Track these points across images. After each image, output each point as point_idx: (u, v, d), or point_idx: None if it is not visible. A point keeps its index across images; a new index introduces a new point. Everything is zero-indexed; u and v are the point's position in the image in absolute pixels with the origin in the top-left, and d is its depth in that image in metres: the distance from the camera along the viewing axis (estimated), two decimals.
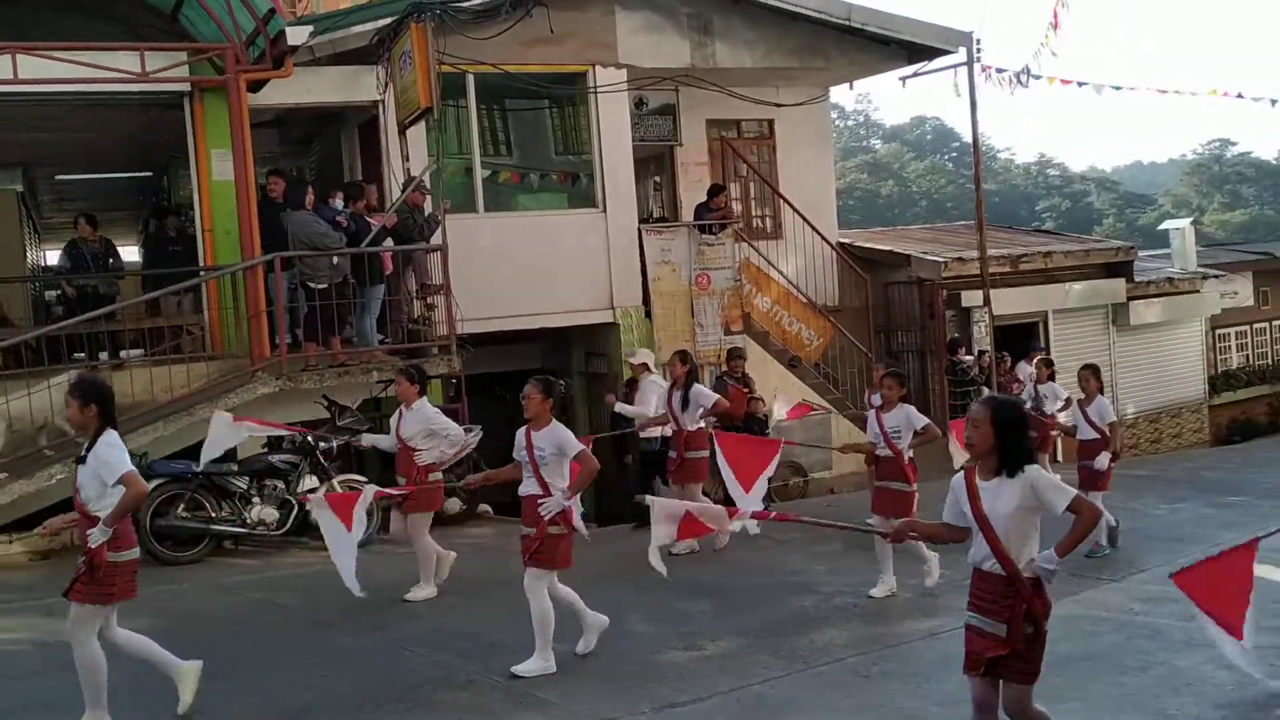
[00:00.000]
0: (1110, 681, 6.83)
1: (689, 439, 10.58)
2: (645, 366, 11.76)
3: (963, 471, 5.07)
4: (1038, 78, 17.11)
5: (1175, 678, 6.86)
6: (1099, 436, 10.43)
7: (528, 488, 7.15)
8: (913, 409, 9.00)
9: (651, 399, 11.33)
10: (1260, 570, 9.62)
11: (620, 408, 11.59)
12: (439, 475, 9.17)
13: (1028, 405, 13.33)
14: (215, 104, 11.95)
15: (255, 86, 12.08)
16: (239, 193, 11.83)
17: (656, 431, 11.47)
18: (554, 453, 7.05)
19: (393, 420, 9.34)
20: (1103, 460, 10.32)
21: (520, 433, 7.22)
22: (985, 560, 4.84)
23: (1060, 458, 16.54)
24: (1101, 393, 10.80)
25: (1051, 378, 13.09)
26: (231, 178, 11.85)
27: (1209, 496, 12.41)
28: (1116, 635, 7.76)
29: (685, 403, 10.50)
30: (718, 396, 10.89)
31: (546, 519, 6.98)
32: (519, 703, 6.64)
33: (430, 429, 9.00)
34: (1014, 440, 4.84)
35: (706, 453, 10.57)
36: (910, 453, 8.93)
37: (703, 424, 10.60)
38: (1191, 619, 8.14)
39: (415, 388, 9.11)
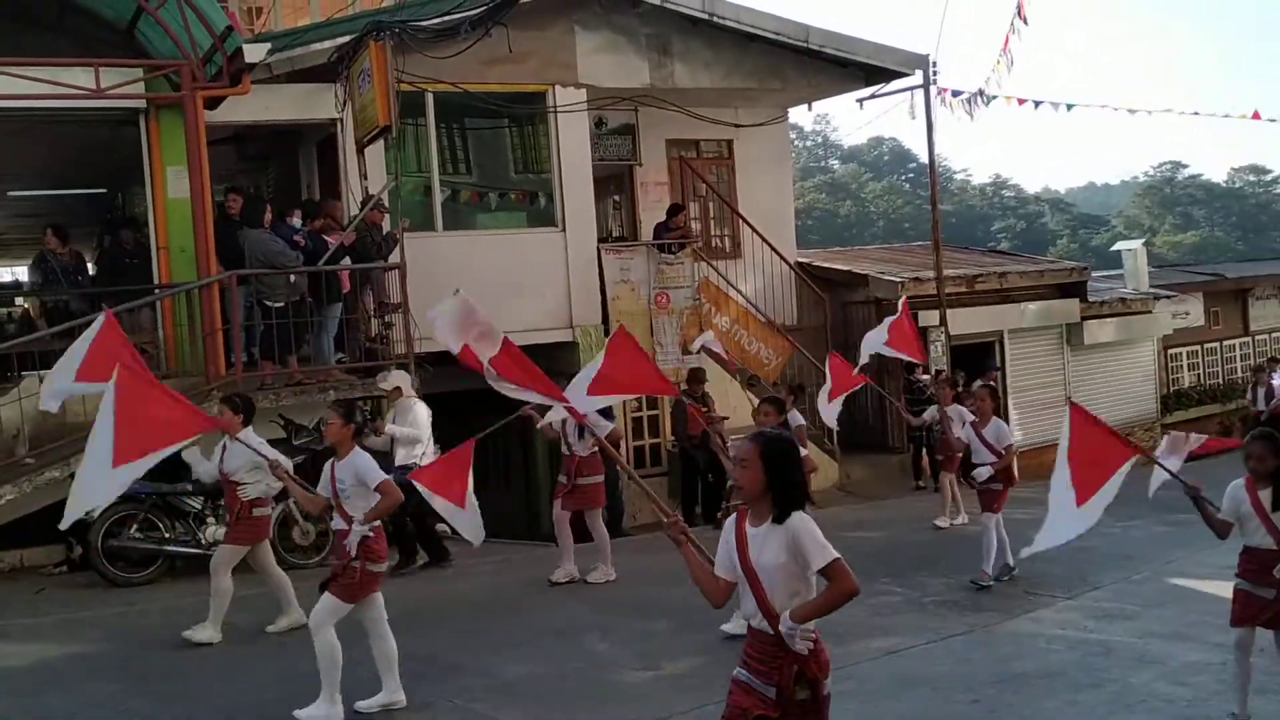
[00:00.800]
0: (1064, 699, 6.89)
1: (580, 465, 10.08)
2: (398, 390, 10.59)
3: (734, 517, 4.48)
4: (993, 97, 17.34)
5: (1128, 694, 6.93)
6: (996, 459, 10.10)
7: (336, 522, 6.71)
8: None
9: (420, 420, 10.45)
10: (1196, 584, 9.83)
11: (391, 429, 10.36)
12: (264, 510, 8.72)
13: (933, 426, 13.37)
14: (171, 121, 11.86)
15: (212, 103, 12.01)
16: (195, 210, 11.73)
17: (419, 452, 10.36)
18: (354, 484, 6.63)
19: (215, 452, 8.71)
20: (983, 471, 10.09)
21: (326, 466, 6.81)
22: (753, 616, 4.31)
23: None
24: (998, 414, 10.59)
25: (957, 399, 12.85)
26: (188, 195, 11.75)
27: (1161, 515, 12.50)
28: (1070, 653, 7.82)
29: (581, 429, 9.74)
30: (612, 425, 10.49)
31: (352, 554, 6.54)
32: None
33: (255, 463, 8.12)
34: (786, 480, 4.22)
35: (601, 478, 10.20)
36: None
37: (595, 449, 9.95)
38: (1147, 636, 8.27)
39: (239, 417, 8.17)
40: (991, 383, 13.31)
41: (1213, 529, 6.17)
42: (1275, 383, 17.32)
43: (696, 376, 13.70)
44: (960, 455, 12.74)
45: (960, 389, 17.51)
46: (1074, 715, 6.59)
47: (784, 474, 4.23)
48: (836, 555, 4.12)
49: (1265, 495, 6.01)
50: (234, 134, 14.10)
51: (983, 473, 10.14)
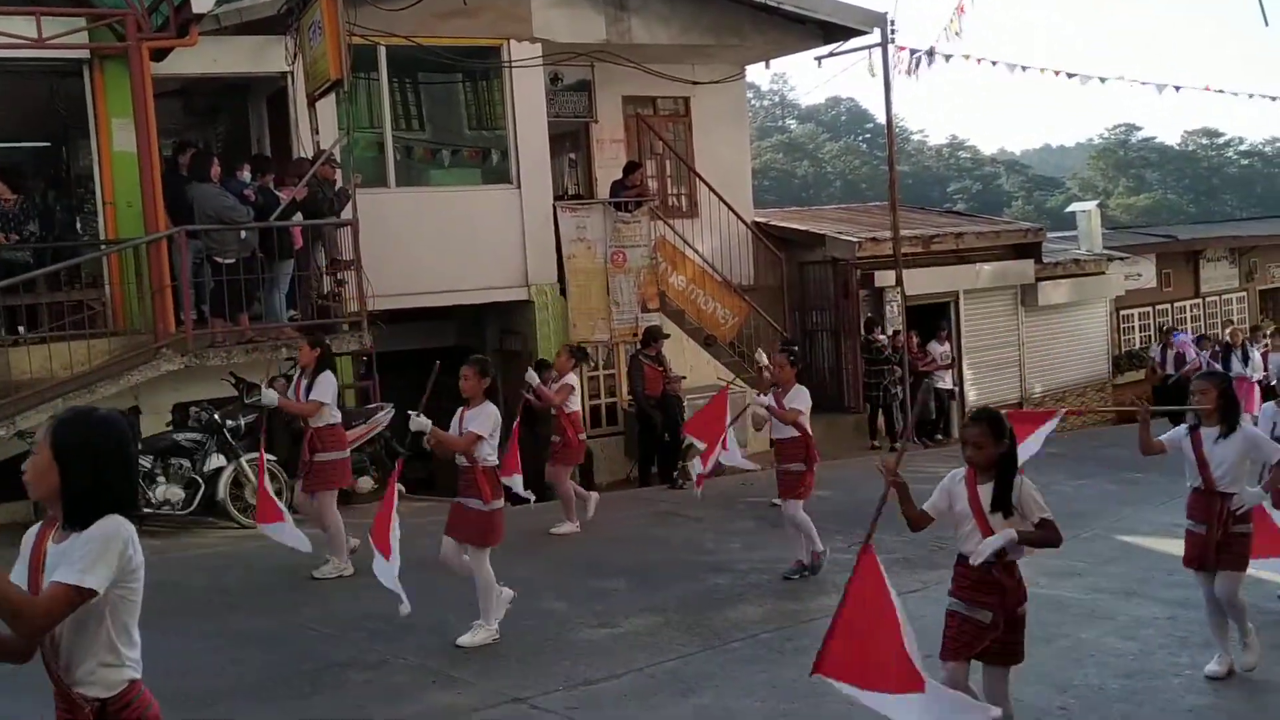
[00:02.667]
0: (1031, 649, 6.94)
1: (316, 437, 8.84)
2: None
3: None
4: (949, 56, 17.31)
5: (1079, 649, 7.01)
6: (799, 434, 8.84)
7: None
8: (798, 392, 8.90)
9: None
10: (1143, 540, 9.97)
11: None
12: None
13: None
14: (116, 72, 11.58)
15: (159, 55, 11.72)
16: (142, 164, 11.45)
17: None
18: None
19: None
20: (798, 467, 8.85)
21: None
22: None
23: None
24: (801, 381, 9.18)
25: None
26: (134, 148, 11.48)
27: (1113, 473, 12.71)
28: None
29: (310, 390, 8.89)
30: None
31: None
32: (431, 683, 6.57)
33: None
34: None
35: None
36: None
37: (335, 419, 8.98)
38: (1097, 592, 8.36)
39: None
40: (794, 349, 11.86)
41: (907, 520, 5.20)
42: (1189, 350, 17.34)
43: (653, 335, 13.64)
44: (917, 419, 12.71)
45: (919, 348, 17.68)
46: (1025, 670, 6.61)
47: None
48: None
49: (985, 491, 4.96)
50: (181, 87, 13.79)
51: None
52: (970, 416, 5.24)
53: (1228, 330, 16.77)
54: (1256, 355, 15.61)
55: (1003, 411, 5.38)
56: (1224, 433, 6.23)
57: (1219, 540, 6.23)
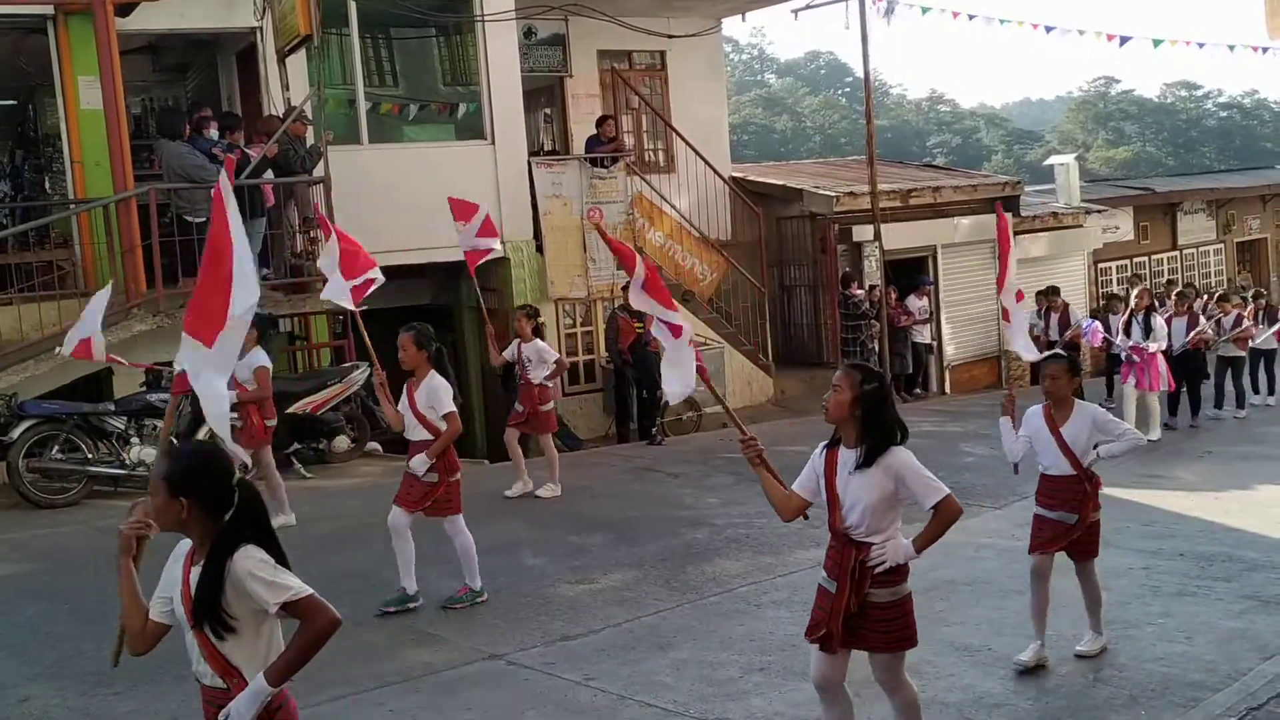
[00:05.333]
0: (991, 605, 7.00)
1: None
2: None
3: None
4: (925, 10, 17.19)
5: (1053, 599, 7.03)
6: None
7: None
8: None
9: None
10: (1118, 491, 10.03)
11: None
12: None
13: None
14: (81, 28, 11.39)
15: (124, 10, 11.52)
16: (109, 122, 11.29)
17: None
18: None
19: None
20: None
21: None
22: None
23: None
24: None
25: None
26: (101, 106, 11.31)
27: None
28: (997, 560, 7.94)
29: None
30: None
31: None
32: (410, 641, 6.57)
33: None
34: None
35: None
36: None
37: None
38: None
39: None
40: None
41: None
42: (1097, 339, 14.61)
43: None
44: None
45: (898, 302, 17.67)
46: (1000, 620, 6.70)
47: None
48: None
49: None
50: (149, 43, 13.61)
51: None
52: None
53: (1135, 290, 14.10)
54: (1159, 322, 13.14)
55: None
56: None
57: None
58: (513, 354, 10.35)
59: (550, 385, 10.48)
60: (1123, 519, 9.14)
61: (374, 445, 12.23)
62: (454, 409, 7.03)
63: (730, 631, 6.62)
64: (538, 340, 10.37)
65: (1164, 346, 13.14)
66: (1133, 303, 13.61)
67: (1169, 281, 22.42)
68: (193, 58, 14.76)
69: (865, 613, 4.38)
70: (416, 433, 7.04)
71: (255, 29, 12.71)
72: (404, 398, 7.09)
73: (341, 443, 11.62)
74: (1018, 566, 7.78)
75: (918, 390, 17.96)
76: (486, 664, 6.20)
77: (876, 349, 16.91)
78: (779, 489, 4.61)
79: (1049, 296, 16.02)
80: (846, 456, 4.37)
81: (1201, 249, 25.44)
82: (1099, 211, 21.98)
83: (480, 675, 6.06)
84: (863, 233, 17.49)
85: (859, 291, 17.05)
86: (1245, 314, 15.20)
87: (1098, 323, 14.82)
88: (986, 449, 12.41)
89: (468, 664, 6.19)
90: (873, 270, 17.52)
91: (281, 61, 12.45)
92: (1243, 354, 14.98)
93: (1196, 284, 24.16)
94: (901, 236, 18.13)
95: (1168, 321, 13.73)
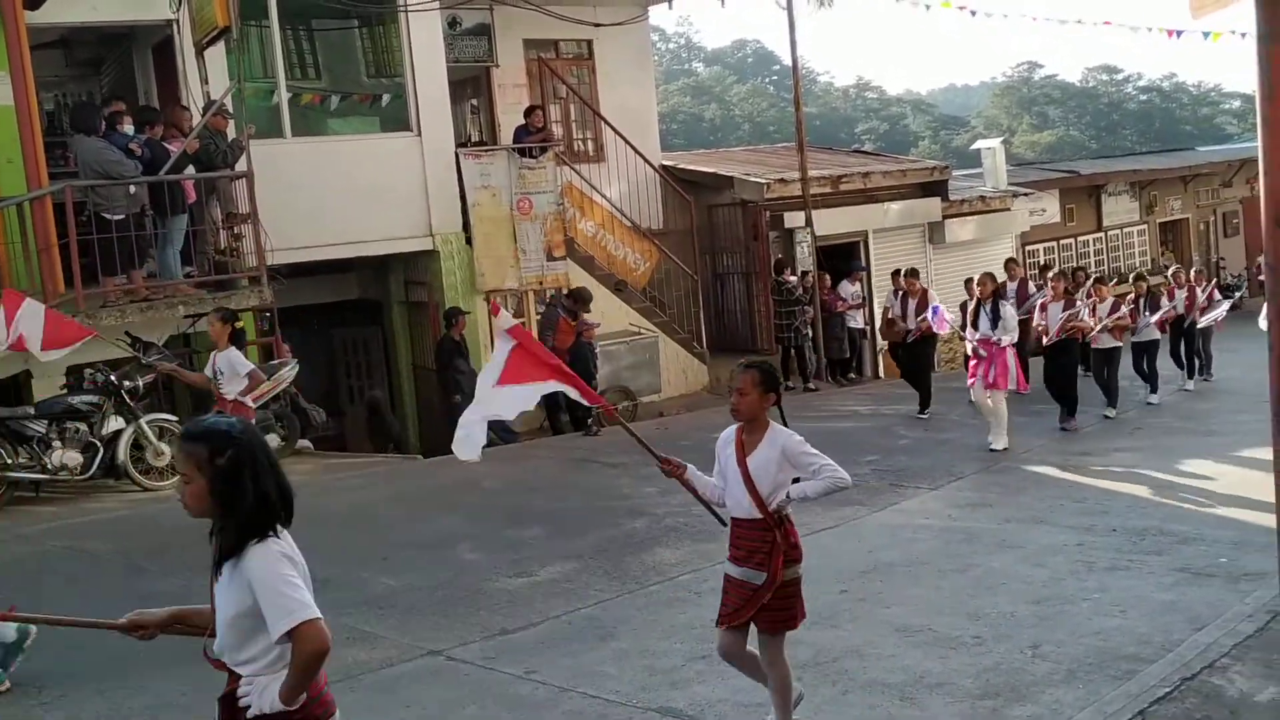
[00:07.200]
0: (930, 584, 7.02)
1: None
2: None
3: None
4: None
5: (990, 577, 7.10)
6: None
7: None
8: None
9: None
10: (1051, 471, 10.16)
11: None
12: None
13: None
14: None
15: (34, 4, 11.17)
16: (20, 118, 10.93)
17: None
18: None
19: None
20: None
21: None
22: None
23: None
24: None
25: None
26: (12, 102, 10.96)
27: (1022, 405, 12.88)
28: (935, 540, 7.98)
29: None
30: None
31: None
32: (346, 638, 6.41)
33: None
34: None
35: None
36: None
37: None
38: (1007, 522, 8.49)
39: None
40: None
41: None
42: (944, 327, 13.48)
43: (582, 297, 13.24)
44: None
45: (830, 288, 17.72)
46: (939, 599, 6.72)
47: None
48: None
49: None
50: (62, 37, 13.23)
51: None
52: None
53: (977, 279, 12.30)
54: (1009, 311, 11.56)
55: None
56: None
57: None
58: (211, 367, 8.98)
59: (250, 404, 8.83)
60: (1056, 497, 9.27)
61: (305, 443, 12.05)
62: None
63: (672, 620, 6.57)
64: (232, 349, 8.80)
65: (1014, 339, 11.61)
66: (976, 290, 12.13)
67: (1091, 265, 22.68)
68: (107, 52, 14.39)
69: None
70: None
71: (172, 21, 12.40)
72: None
73: (271, 440, 11.40)
74: (955, 547, 7.87)
75: (852, 375, 18.05)
76: (425, 660, 6.09)
77: (810, 334, 16.95)
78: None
79: (907, 278, 13.92)
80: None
81: (1126, 230, 25.84)
82: (1026, 195, 22.23)
83: (419, 672, 5.95)
84: (794, 219, 17.53)
85: (792, 278, 17.07)
86: (1123, 301, 13.68)
87: (943, 308, 13.69)
88: (921, 431, 12.52)
89: (406, 661, 6.08)
90: (805, 256, 17.57)
91: (200, 54, 12.17)
92: (1119, 344, 13.15)
93: (1122, 265, 24.60)
94: (833, 222, 18.20)
95: (1043, 307, 12.49)
